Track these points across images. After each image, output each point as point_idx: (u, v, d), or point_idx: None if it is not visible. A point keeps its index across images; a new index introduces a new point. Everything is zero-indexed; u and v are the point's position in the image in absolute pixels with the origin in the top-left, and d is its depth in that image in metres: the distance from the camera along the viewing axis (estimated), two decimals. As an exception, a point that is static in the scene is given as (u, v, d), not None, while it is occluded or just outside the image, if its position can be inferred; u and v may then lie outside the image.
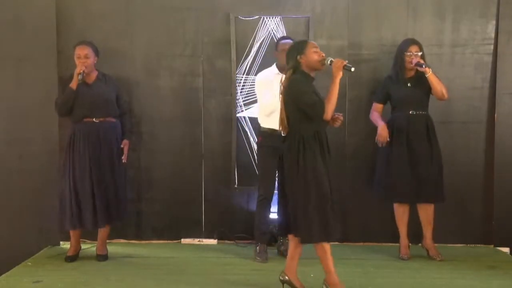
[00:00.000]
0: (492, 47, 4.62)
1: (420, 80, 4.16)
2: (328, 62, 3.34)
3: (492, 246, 4.63)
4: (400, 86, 4.22)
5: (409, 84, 4.22)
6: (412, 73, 4.22)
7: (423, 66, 4.09)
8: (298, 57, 3.35)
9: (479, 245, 4.67)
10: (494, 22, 4.60)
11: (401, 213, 4.28)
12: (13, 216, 4.55)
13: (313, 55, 3.35)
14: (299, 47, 3.40)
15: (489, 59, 4.63)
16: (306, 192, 3.25)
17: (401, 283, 3.72)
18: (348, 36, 4.64)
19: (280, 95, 3.39)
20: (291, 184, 3.32)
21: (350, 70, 3.34)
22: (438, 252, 4.23)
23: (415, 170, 4.14)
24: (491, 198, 4.63)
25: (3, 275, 3.86)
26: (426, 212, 4.24)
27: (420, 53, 4.16)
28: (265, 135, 4.26)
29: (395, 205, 4.30)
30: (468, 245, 4.68)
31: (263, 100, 4.23)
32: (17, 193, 4.55)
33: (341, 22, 4.65)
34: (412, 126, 4.18)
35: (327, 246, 3.31)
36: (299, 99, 3.30)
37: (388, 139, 4.19)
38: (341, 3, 4.65)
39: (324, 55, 3.39)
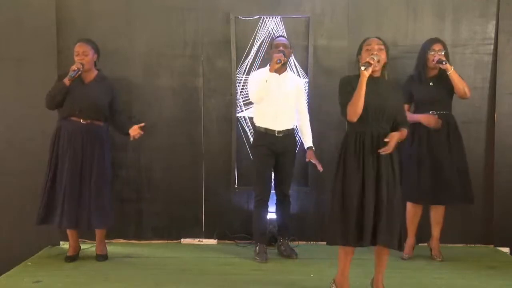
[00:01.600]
0: (492, 47, 4.63)
1: (443, 79, 4.11)
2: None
3: (492, 246, 4.64)
4: (422, 85, 4.17)
5: (431, 84, 4.17)
6: (434, 72, 4.18)
7: (444, 63, 4.03)
8: (358, 57, 3.30)
9: (479, 245, 4.68)
10: (494, 22, 4.61)
11: (413, 213, 4.25)
12: (13, 216, 4.56)
13: (364, 54, 3.23)
14: (359, 46, 3.32)
15: (489, 59, 4.63)
16: (332, 191, 3.21)
17: (401, 283, 3.72)
18: (348, 36, 4.63)
19: None
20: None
21: (361, 68, 3.14)
22: (440, 253, 4.23)
23: (435, 171, 4.10)
24: (491, 198, 4.64)
25: (3, 275, 3.86)
26: (438, 212, 4.23)
27: (443, 52, 4.11)
28: (258, 134, 4.27)
29: (409, 205, 4.25)
30: (468, 245, 4.69)
31: (249, 91, 4.30)
32: (17, 193, 4.55)
33: (341, 22, 4.65)
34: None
35: (343, 247, 3.27)
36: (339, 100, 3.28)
37: (440, 120, 4.09)
38: (341, 3, 4.65)
39: (375, 52, 3.18)
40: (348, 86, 3.20)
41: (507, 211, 4.56)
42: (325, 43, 4.61)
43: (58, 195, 4.05)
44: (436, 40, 4.18)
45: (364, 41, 3.32)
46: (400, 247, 3.28)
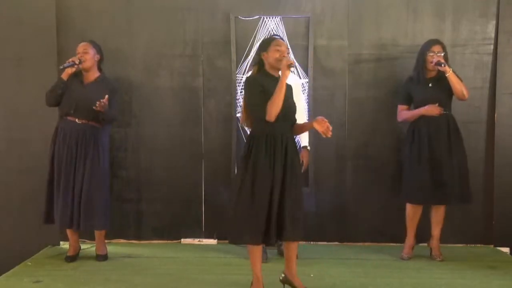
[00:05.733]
0: (492, 47, 4.62)
1: (442, 80, 4.10)
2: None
3: (492, 246, 4.63)
4: (421, 86, 4.16)
5: (430, 85, 4.16)
6: (433, 73, 4.16)
7: (443, 65, 4.02)
8: (262, 53, 3.31)
9: (479, 245, 4.67)
10: (494, 22, 4.60)
11: (412, 214, 4.23)
12: (13, 216, 4.55)
13: (274, 53, 3.25)
14: (265, 43, 3.34)
15: (489, 59, 4.63)
16: (238, 190, 3.22)
17: (401, 283, 3.71)
18: (348, 36, 4.64)
19: None
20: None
21: (290, 68, 3.22)
22: (440, 253, 4.23)
23: (435, 171, 4.09)
24: (491, 198, 4.63)
25: (3, 275, 3.86)
26: (438, 212, 4.22)
27: (442, 53, 4.10)
28: None
29: (408, 205, 4.24)
30: (468, 245, 4.68)
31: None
32: (17, 193, 4.55)
33: (341, 22, 4.65)
34: (433, 127, 4.11)
35: (250, 247, 3.30)
36: (246, 99, 3.33)
37: (441, 108, 4.11)
38: (341, 3, 4.65)
39: (285, 55, 3.25)
40: (258, 86, 3.22)
41: (507, 211, 4.55)
42: (325, 43, 4.60)
43: (56, 195, 4.06)
44: (435, 42, 4.17)
45: (269, 40, 3.37)
46: (304, 236, 3.34)
